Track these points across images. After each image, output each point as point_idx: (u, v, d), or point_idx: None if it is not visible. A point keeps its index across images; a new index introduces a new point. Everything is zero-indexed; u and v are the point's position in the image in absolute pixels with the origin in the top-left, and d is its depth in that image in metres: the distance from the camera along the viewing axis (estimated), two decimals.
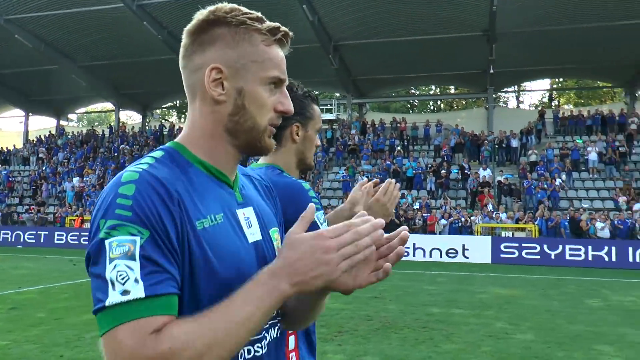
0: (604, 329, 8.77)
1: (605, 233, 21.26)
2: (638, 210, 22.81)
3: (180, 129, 38.54)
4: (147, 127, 42.59)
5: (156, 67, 35.78)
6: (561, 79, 42.51)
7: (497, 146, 30.56)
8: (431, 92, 46.15)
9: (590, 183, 27.21)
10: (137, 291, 1.01)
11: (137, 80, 39.42)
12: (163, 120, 48.74)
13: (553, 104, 44.73)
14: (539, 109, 36.97)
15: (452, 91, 43.50)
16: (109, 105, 47.63)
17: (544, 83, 43.59)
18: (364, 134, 34.11)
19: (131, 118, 58.17)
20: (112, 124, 45.44)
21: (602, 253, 20.11)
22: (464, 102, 45.80)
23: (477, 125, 34.18)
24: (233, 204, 1.23)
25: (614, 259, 19.82)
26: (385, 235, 1.13)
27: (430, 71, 35.99)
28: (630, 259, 19.72)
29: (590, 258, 20.09)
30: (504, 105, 45.22)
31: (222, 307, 1.05)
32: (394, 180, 2.06)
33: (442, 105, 47.14)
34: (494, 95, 39.65)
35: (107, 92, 41.20)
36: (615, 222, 21.53)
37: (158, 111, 49.81)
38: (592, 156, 27.64)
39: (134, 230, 1.04)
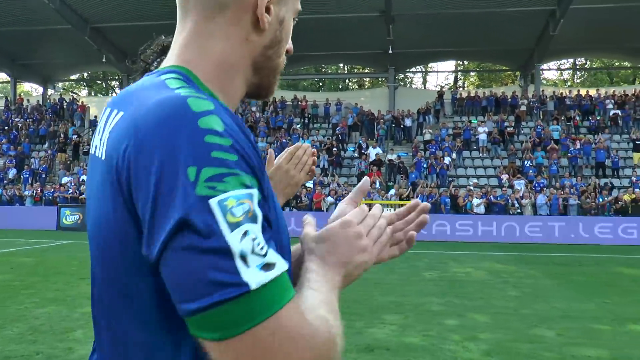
0: (409, 298, 9.09)
1: (481, 209, 22.13)
2: (518, 187, 23.81)
3: (83, 105, 37.48)
4: (47, 101, 40.76)
5: (54, 37, 34.21)
6: (465, 62, 43.68)
7: (393, 125, 31.11)
8: (340, 72, 46.57)
9: (479, 161, 28.24)
10: (281, 263, 0.78)
11: (34, 51, 37.55)
12: (70, 93, 46.80)
13: (458, 85, 46.08)
14: (438, 89, 37.83)
15: (362, 71, 43.98)
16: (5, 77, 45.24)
17: (450, 65, 44.73)
18: (264, 111, 33.95)
19: (37, 90, 55.43)
20: (8, 96, 43.20)
21: (467, 227, 21.05)
22: (372, 82, 46.36)
23: (381, 105, 34.69)
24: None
25: (479, 233, 20.72)
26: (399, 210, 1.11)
27: (336, 50, 36.11)
28: (494, 233, 20.66)
29: (456, 232, 21.01)
30: (410, 85, 46.09)
31: (314, 293, 0.86)
32: (305, 145, 1.70)
33: (355, 85, 47.55)
34: (400, 76, 40.38)
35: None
36: (491, 198, 22.41)
37: (60, 84, 47.72)
38: (482, 136, 28.66)
39: (247, 179, 0.78)
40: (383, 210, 1.07)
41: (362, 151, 27.97)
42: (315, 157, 1.66)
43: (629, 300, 9.30)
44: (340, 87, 46.45)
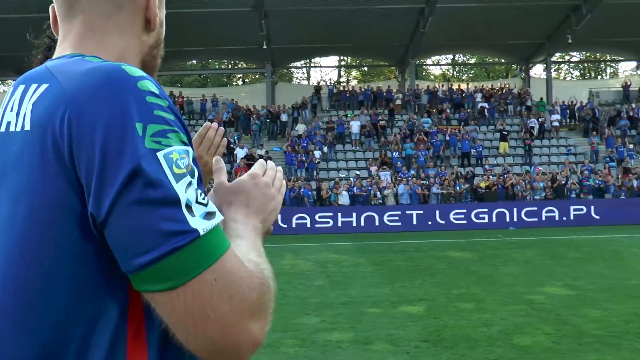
0: None
1: (345, 200, 22.26)
2: (384, 178, 24.16)
3: None
4: None
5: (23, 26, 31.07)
6: (348, 57, 44.24)
7: (268, 120, 30.87)
8: (221, 67, 45.79)
9: (351, 154, 28.52)
10: (218, 213, 0.82)
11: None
12: None
13: (341, 80, 46.57)
14: (315, 84, 38.02)
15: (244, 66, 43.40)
16: None
17: (335, 60, 45.13)
18: None
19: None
20: None
21: (327, 219, 21.34)
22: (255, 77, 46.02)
23: (261, 100, 34.31)
24: None
25: (339, 224, 20.89)
26: None
27: (214, 45, 35.34)
28: (354, 224, 20.91)
29: (316, 224, 21.13)
30: (292, 81, 46.10)
31: (243, 242, 0.90)
32: (214, 125, 1.59)
33: (239, 81, 46.90)
34: (284, 71, 40.10)
35: None
36: (354, 189, 22.60)
37: None
38: (355, 129, 28.97)
39: (184, 137, 0.83)
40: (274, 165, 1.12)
41: (231, 146, 27.45)
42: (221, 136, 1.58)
43: (428, 283, 9.42)
44: (226, 83, 45.67)
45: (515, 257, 12.52)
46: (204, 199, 0.81)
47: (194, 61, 44.53)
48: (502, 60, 43.73)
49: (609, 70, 54.32)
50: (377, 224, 20.91)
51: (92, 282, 0.82)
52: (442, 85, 34.87)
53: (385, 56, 38.98)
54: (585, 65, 56.10)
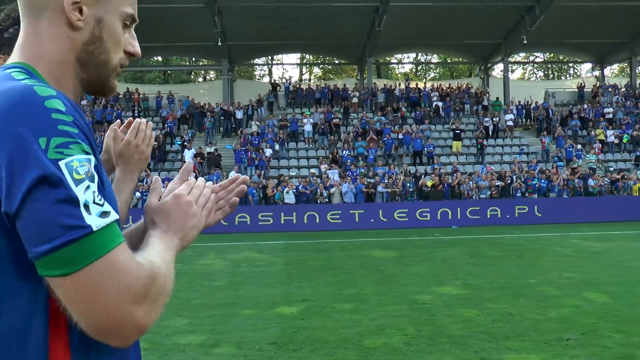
0: None
1: (291, 198, 22.09)
2: (331, 177, 24.02)
3: None
4: None
5: None
6: (308, 55, 43.98)
7: (222, 118, 30.57)
8: (185, 64, 45.35)
9: (303, 152, 28.35)
10: (113, 213, 0.95)
11: None
12: None
13: (303, 78, 46.40)
14: (272, 82, 37.79)
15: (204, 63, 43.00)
16: None
17: (296, 58, 44.76)
18: (96, 103, 32.15)
19: None
20: None
21: (268, 217, 21.26)
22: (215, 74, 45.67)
23: (218, 98, 34.00)
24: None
25: (282, 222, 20.74)
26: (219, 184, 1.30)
27: (172, 41, 34.86)
28: (295, 222, 20.81)
29: (259, 223, 21.01)
30: (258, 79, 45.85)
31: (150, 250, 1.04)
32: (144, 120, 1.74)
33: (201, 78, 46.47)
34: (241, 68, 39.72)
35: None
36: (299, 187, 22.42)
37: None
38: (307, 127, 28.81)
39: (86, 148, 0.95)
40: (206, 182, 1.25)
41: (185, 143, 27.14)
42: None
43: (326, 282, 9.30)
44: (187, 80, 45.20)
45: (434, 256, 12.46)
46: (100, 200, 0.93)
47: (159, 58, 44.07)
48: (464, 60, 43.96)
49: (572, 71, 55.05)
50: (318, 222, 20.78)
51: (12, 274, 0.95)
52: (399, 84, 34.88)
53: (345, 54, 38.93)
54: (549, 66, 56.78)
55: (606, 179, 25.44)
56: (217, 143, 29.18)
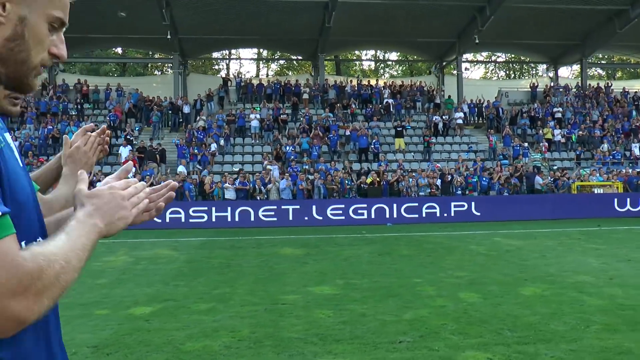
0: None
1: (231, 195, 21.82)
2: (272, 173, 23.80)
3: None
4: None
5: None
6: (264, 50, 43.75)
7: (170, 112, 30.16)
8: (140, 56, 44.68)
9: (249, 148, 28.09)
10: (2, 207, 1.00)
11: None
12: None
13: (260, 73, 46.12)
14: (222, 76, 37.44)
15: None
16: None
17: (253, 53, 44.52)
18: (45, 94, 31.42)
19: None
20: None
21: (202, 213, 20.80)
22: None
23: (170, 91, 33.53)
24: (2, 127, 1.21)
25: (213, 219, 20.49)
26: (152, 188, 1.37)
27: (122, 33, 34.25)
28: (229, 219, 20.54)
29: (190, 219, 20.66)
30: (215, 74, 45.39)
31: (62, 236, 1.08)
32: (92, 125, 1.98)
33: (157, 71, 45.88)
34: (195, 62, 39.07)
35: None
36: (237, 183, 22.16)
37: None
38: (254, 123, 28.54)
39: None
40: (145, 188, 1.31)
41: (128, 137, 26.62)
42: (108, 137, 1.96)
43: (207, 281, 9.10)
44: (142, 72, 44.60)
45: (340, 255, 12.30)
46: None
47: (119, 50, 43.33)
48: (420, 58, 44.05)
49: (534, 72, 55.59)
50: (252, 219, 20.55)
51: None
52: (351, 81, 34.79)
53: (299, 50, 38.69)
54: (510, 66, 57.29)
55: (550, 178, 25.68)
56: (164, 137, 28.77)
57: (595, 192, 24.72)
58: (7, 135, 1.20)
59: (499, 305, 7.23)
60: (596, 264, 10.66)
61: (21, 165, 1.19)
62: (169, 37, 30.78)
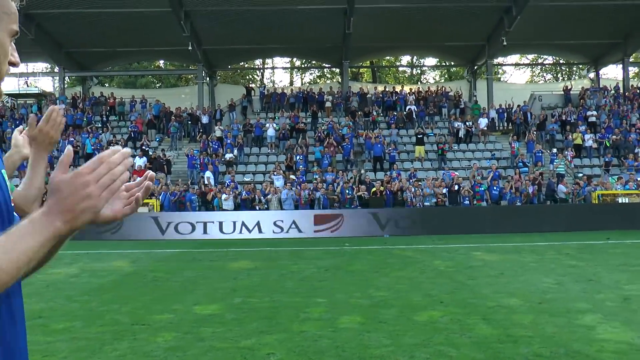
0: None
1: (230, 204, 21.89)
2: (277, 183, 23.75)
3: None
4: None
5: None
6: (293, 58, 43.84)
7: (189, 122, 30.67)
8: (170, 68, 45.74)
9: (264, 157, 28.15)
10: None
11: None
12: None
13: (294, 82, 46.16)
14: (247, 85, 37.71)
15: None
16: None
17: (285, 62, 44.71)
18: (76, 107, 32.72)
19: None
20: None
21: (187, 225, 20.83)
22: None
23: (199, 102, 34.16)
24: None
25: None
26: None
27: (146, 46, 35.17)
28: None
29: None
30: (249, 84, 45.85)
31: (3, 238, 1.06)
32: (57, 107, 2.00)
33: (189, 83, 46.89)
34: (224, 73, 39.49)
35: None
36: (244, 193, 22.23)
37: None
38: (270, 132, 28.59)
39: None
40: (126, 158, 1.15)
41: (144, 148, 27.27)
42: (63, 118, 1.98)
43: (135, 294, 9.07)
44: (174, 84, 45.71)
45: (294, 269, 11.99)
46: None
47: (145, 62, 44.56)
48: (451, 63, 43.04)
49: (579, 74, 53.14)
50: (239, 230, 20.58)
51: None
52: (375, 88, 34.31)
53: (326, 58, 38.56)
54: (558, 68, 55.07)
55: (573, 185, 24.37)
56: (183, 148, 29.26)
57: (620, 201, 23.25)
58: None
59: (367, 332, 6.76)
60: (545, 285, 9.87)
61: None
62: (189, 48, 31.34)
